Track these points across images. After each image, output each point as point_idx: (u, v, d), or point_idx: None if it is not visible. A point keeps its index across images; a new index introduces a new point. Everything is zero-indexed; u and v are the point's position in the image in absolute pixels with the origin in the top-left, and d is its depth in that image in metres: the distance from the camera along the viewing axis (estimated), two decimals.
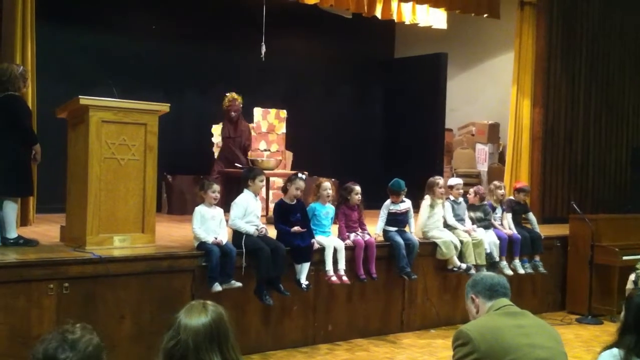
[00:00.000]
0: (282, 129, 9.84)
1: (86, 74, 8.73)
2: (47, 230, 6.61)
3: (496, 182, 7.92)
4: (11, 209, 5.68)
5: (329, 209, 6.47)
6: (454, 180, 7.56)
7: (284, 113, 9.73)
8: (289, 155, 9.90)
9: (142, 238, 5.76)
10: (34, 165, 6.05)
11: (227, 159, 8.54)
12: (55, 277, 4.96)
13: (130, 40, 9.47)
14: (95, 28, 9.12)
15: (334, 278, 6.16)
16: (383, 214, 6.82)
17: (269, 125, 9.67)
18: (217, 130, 9.16)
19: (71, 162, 5.94)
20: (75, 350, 2.08)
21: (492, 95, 11.11)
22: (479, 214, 7.51)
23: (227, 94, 8.67)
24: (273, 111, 9.68)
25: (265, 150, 9.51)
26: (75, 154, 5.85)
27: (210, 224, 5.73)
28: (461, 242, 7.10)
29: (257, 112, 9.56)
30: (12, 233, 5.65)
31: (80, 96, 5.52)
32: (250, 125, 9.20)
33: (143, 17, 9.62)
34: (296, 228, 5.98)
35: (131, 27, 9.52)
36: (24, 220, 6.70)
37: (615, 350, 2.91)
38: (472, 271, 6.82)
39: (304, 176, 6.29)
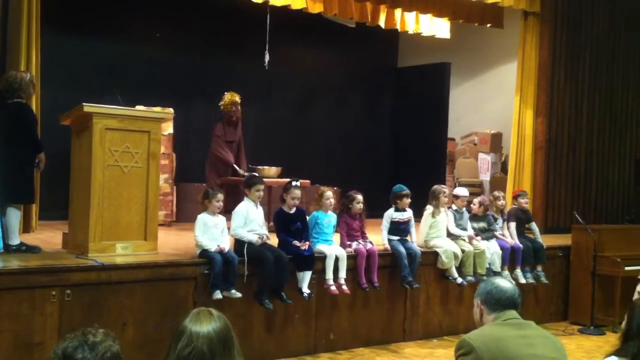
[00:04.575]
0: (168, 129, 8.86)
1: (90, 81, 8.76)
2: (49, 237, 6.62)
3: (496, 193, 7.93)
4: (14, 216, 5.68)
5: (331, 217, 6.47)
6: (461, 191, 7.49)
7: (170, 111, 8.65)
8: (173, 157, 9.14)
9: (145, 245, 5.76)
10: (37, 173, 6.07)
11: (222, 162, 8.42)
12: (58, 284, 4.96)
13: (135, 49, 9.51)
14: (100, 36, 9.15)
15: (333, 288, 6.15)
16: (386, 223, 6.82)
17: None
18: None
19: (74, 169, 5.95)
20: (93, 352, 2.11)
21: (495, 104, 11.12)
22: (483, 225, 7.50)
23: (226, 95, 8.47)
24: (157, 109, 8.41)
25: None
26: (78, 161, 5.86)
27: (212, 232, 5.73)
28: (463, 251, 7.09)
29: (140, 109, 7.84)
30: (15, 240, 5.65)
31: (84, 103, 5.54)
32: None
33: (148, 25, 9.66)
34: (298, 244, 5.97)
35: (136, 35, 9.55)
36: (26, 227, 6.71)
37: (616, 359, 2.90)
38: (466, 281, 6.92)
39: (298, 183, 6.28)
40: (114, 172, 5.62)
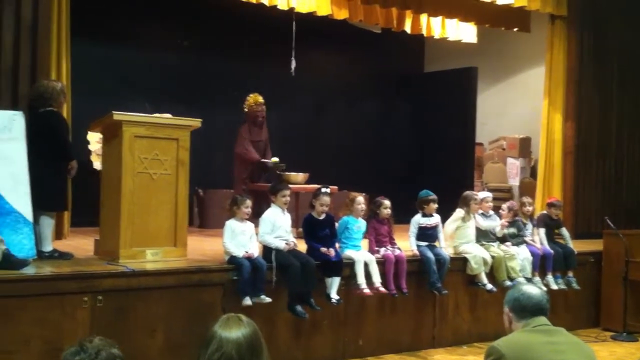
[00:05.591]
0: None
1: (119, 89, 8.88)
2: (81, 244, 6.70)
3: (523, 199, 7.87)
4: (47, 223, 5.77)
5: (361, 223, 6.46)
6: (484, 194, 7.51)
7: (168, 117, 8.60)
8: None
9: (174, 252, 5.82)
10: (69, 180, 6.15)
11: (248, 159, 8.49)
12: (89, 290, 5.01)
13: (162, 56, 9.62)
14: (128, 44, 9.28)
15: (366, 290, 6.14)
16: (413, 229, 6.80)
17: None
18: None
19: (105, 176, 6.03)
20: (86, 354, 2.17)
21: (523, 109, 11.03)
22: (513, 230, 7.45)
23: (250, 96, 8.59)
24: (167, 115, 8.54)
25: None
26: (108, 169, 5.94)
27: (240, 239, 5.76)
28: (492, 257, 7.05)
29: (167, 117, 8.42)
30: (48, 246, 5.74)
31: (113, 112, 5.61)
32: None
33: (174, 33, 9.76)
34: (326, 250, 5.98)
35: (163, 43, 9.66)
36: (58, 234, 6.80)
37: None
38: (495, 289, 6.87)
39: (328, 190, 6.30)
40: (143, 179, 5.68)
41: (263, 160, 8.45)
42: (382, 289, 6.23)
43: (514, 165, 10.84)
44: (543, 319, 3.11)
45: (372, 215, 6.64)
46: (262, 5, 8.49)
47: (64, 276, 5.04)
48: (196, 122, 6.04)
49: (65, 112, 6.70)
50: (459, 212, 7.07)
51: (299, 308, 5.76)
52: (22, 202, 5.54)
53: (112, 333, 2.58)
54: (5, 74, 5.78)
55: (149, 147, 5.72)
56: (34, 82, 5.88)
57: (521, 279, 6.94)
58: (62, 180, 5.90)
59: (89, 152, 7.71)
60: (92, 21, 8.63)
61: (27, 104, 5.82)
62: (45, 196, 5.66)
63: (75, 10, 7.16)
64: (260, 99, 8.57)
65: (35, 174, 5.60)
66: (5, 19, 5.77)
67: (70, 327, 4.91)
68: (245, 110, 8.61)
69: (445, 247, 6.97)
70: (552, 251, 7.49)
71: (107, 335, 2.34)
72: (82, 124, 6.71)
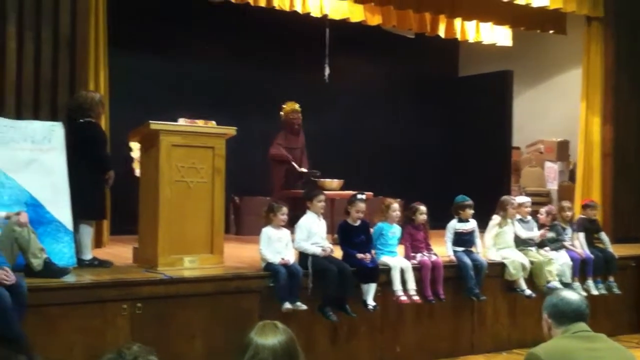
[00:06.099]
0: None
1: (156, 98, 8.99)
2: (120, 252, 6.79)
3: (563, 203, 7.78)
4: (86, 232, 5.87)
5: (396, 229, 6.44)
6: (522, 199, 7.45)
7: (212, 124, 8.36)
8: None
9: (211, 259, 5.86)
10: (107, 190, 6.25)
11: (280, 161, 8.57)
12: (129, 298, 5.07)
13: (197, 65, 9.72)
14: (163, 54, 9.40)
15: (403, 298, 6.11)
16: (449, 234, 6.76)
17: None
18: None
19: (143, 185, 6.12)
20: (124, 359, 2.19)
21: (560, 112, 10.90)
22: (551, 235, 7.36)
23: (287, 104, 8.71)
24: (200, 122, 8.47)
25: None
26: (146, 177, 6.02)
27: (277, 246, 5.78)
28: (532, 262, 6.97)
29: (182, 122, 8.08)
30: (87, 255, 5.83)
31: (150, 121, 5.69)
32: None
33: (209, 42, 9.85)
34: (362, 256, 5.97)
35: (197, 52, 9.76)
36: (98, 243, 6.91)
37: None
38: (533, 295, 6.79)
39: (364, 197, 6.29)
40: (180, 187, 5.75)
41: (293, 164, 8.48)
42: (416, 297, 6.19)
43: (552, 169, 10.71)
44: (583, 325, 3.07)
45: (407, 221, 6.61)
46: (296, 13, 8.56)
47: (104, 284, 5.11)
48: (231, 130, 6.09)
49: (104, 122, 6.82)
50: (495, 219, 7.02)
51: (329, 311, 5.76)
52: (62, 211, 5.64)
53: (151, 340, 2.61)
54: (45, 86, 5.90)
55: (186, 155, 5.78)
56: (72, 93, 5.99)
57: (556, 283, 6.86)
58: (101, 190, 6.00)
59: (132, 160, 7.82)
60: (129, 32, 8.75)
61: (66, 115, 5.94)
62: (84, 205, 5.75)
63: (112, 21, 7.30)
64: (297, 107, 8.67)
65: (74, 184, 5.70)
66: (44, 32, 5.90)
67: (111, 334, 4.98)
68: (282, 118, 8.69)
69: (486, 255, 6.90)
70: (592, 256, 7.38)
71: (146, 342, 2.37)
72: (121, 133, 6.81)
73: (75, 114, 5.87)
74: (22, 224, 4.96)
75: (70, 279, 5.11)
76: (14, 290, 4.46)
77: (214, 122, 8.00)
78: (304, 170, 8.55)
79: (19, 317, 4.47)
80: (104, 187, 6.03)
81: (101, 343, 4.92)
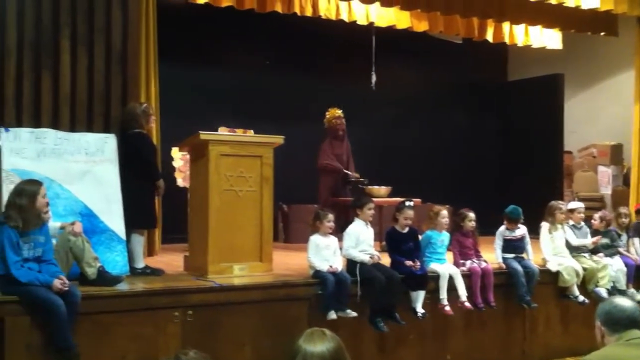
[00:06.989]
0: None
1: (206, 109, 9.11)
2: (172, 260, 6.91)
3: (621, 209, 7.63)
4: (138, 241, 5.99)
5: (444, 237, 6.39)
6: (575, 204, 7.32)
7: (250, 132, 8.18)
8: None
9: (260, 267, 5.92)
10: (157, 199, 6.37)
11: (331, 170, 8.58)
12: (180, 305, 5.15)
13: (244, 75, 9.82)
14: (211, 65, 9.53)
15: (447, 308, 6.06)
16: (499, 241, 6.68)
17: None
18: None
19: (193, 194, 6.22)
20: None
21: (613, 115, 10.66)
22: (605, 241, 7.21)
23: (329, 110, 8.72)
24: (239, 131, 8.23)
25: None
26: (196, 187, 6.11)
27: (324, 253, 5.80)
28: (585, 269, 6.83)
29: (222, 132, 7.78)
30: (140, 263, 5.95)
31: (200, 131, 5.78)
32: None
33: (256, 52, 9.96)
34: (411, 263, 5.95)
35: (245, 61, 9.87)
36: (150, 251, 7.05)
37: None
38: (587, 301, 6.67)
39: (411, 203, 6.26)
40: (229, 196, 5.82)
41: (346, 171, 8.50)
42: (467, 304, 6.13)
43: (605, 173, 10.48)
44: (637, 332, 3.00)
45: (456, 228, 6.55)
46: (342, 21, 8.59)
47: (156, 292, 5.20)
48: (279, 139, 6.14)
49: (154, 132, 6.95)
50: (545, 226, 6.91)
51: (380, 322, 5.73)
52: (115, 221, 5.78)
53: (202, 347, 2.63)
54: (98, 99, 6.04)
55: (234, 164, 5.86)
56: (124, 105, 6.12)
57: (603, 289, 6.71)
58: (151, 199, 6.12)
59: (173, 169, 7.94)
60: (178, 44, 8.90)
61: (118, 127, 6.08)
62: (135, 215, 5.88)
63: (161, 34, 7.44)
64: (339, 112, 8.67)
65: (126, 194, 5.83)
66: (97, 46, 6.05)
67: (163, 341, 5.05)
68: (325, 125, 8.72)
69: (545, 266, 6.81)
70: None
71: (197, 349, 2.41)
72: (169, 143, 6.93)
73: (126, 126, 6.02)
74: (76, 234, 5.10)
75: (123, 287, 5.21)
76: (68, 299, 4.60)
77: (252, 131, 8.06)
78: (356, 175, 8.55)
79: (71, 326, 4.60)
80: (153, 196, 6.14)
81: (153, 350, 5.01)
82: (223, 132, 7.39)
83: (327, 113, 8.75)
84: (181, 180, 7.85)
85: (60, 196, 5.61)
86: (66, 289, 4.60)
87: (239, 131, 8.16)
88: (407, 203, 6.23)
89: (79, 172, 5.75)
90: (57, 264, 4.85)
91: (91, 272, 5.09)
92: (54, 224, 5.13)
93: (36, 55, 5.83)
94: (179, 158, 7.94)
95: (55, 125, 5.81)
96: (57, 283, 4.59)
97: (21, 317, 4.60)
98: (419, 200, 7.68)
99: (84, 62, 5.99)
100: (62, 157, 5.69)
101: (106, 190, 5.79)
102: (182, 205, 6.97)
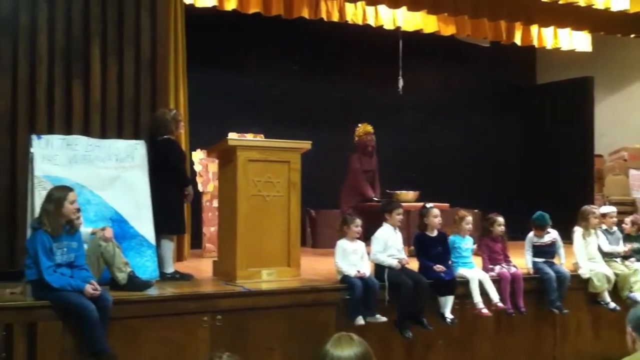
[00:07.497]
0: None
1: (234, 115, 9.16)
2: (201, 265, 6.95)
3: None
4: (167, 247, 6.04)
5: (468, 241, 6.34)
6: (607, 208, 7.21)
7: (261, 137, 8.28)
8: None
9: (288, 272, 5.93)
10: (186, 205, 6.41)
11: (361, 195, 8.52)
12: (209, 310, 5.18)
13: (272, 81, 9.86)
14: (239, 71, 9.59)
15: (484, 310, 6.02)
16: (528, 247, 6.63)
17: None
18: None
19: (221, 200, 6.25)
20: None
21: None
22: (637, 245, 7.10)
23: (360, 126, 8.69)
24: (249, 136, 8.41)
25: None
26: (224, 192, 6.15)
27: (352, 258, 5.79)
28: (616, 274, 6.74)
29: (232, 137, 7.50)
30: (169, 268, 6.00)
31: (228, 137, 5.82)
32: None
33: (284, 58, 9.99)
34: (439, 268, 5.92)
35: (273, 68, 9.91)
36: (179, 257, 7.10)
37: None
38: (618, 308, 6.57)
39: (431, 204, 6.24)
40: (257, 201, 5.85)
41: (374, 198, 8.41)
42: (500, 304, 6.09)
43: (637, 176, 10.33)
44: None
45: (485, 233, 6.51)
46: (369, 26, 8.59)
47: (185, 297, 5.24)
48: (306, 145, 6.16)
49: (183, 138, 7.01)
50: (578, 231, 6.81)
51: (405, 327, 5.71)
52: (145, 226, 5.84)
53: (231, 352, 2.65)
54: (128, 106, 6.11)
55: (262, 170, 5.89)
56: (154, 112, 6.18)
57: (638, 294, 6.62)
58: (180, 205, 6.17)
59: (194, 174, 7.98)
60: (207, 50, 8.97)
61: (148, 133, 6.14)
62: (165, 220, 5.93)
63: (190, 41, 7.51)
64: (370, 128, 8.60)
65: (155, 200, 5.89)
66: (126, 54, 6.12)
67: (192, 345, 5.09)
68: (355, 139, 8.68)
69: (578, 272, 6.73)
70: None
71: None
72: (198, 149, 6.97)
73: (155, 132, 6.08)
74: (107, 239, 5.17)
75: (153, 292, 5.26)
76: (100, 304, 4.65)
77: (262, 135, 8.10)
78: (375, 199, 8.43)
79: (105, 331, 4.65)
80: (182, 202, 6.19)
81: (182, 354, 5.05)
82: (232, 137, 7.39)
83: (357, 128, 8.70)
84: (200, 185, 7.94)
85: (91, 202, 5.68)
86: (98, 293, 4.66)
87: (249, 136, 8.20)
88: (427, 205, 6.21)
89: (109, 178, 5.81)
90: (88, 269, 4.91)
91: (122, 277, 5.15)
92: (85, 230, 5.18)
93: (67, 64, 5.92)
94: (198, 162, 8.01)
95: (86, 132, 5.89)
96: (88, 288, 4.65)
97: (54, 322, 4.67)
98: (447, 204, 7.63)
99: (114, 69, 6.07)
100: (92, 164, 5.76)
101: (136, 196, 5.85)
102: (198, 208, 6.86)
